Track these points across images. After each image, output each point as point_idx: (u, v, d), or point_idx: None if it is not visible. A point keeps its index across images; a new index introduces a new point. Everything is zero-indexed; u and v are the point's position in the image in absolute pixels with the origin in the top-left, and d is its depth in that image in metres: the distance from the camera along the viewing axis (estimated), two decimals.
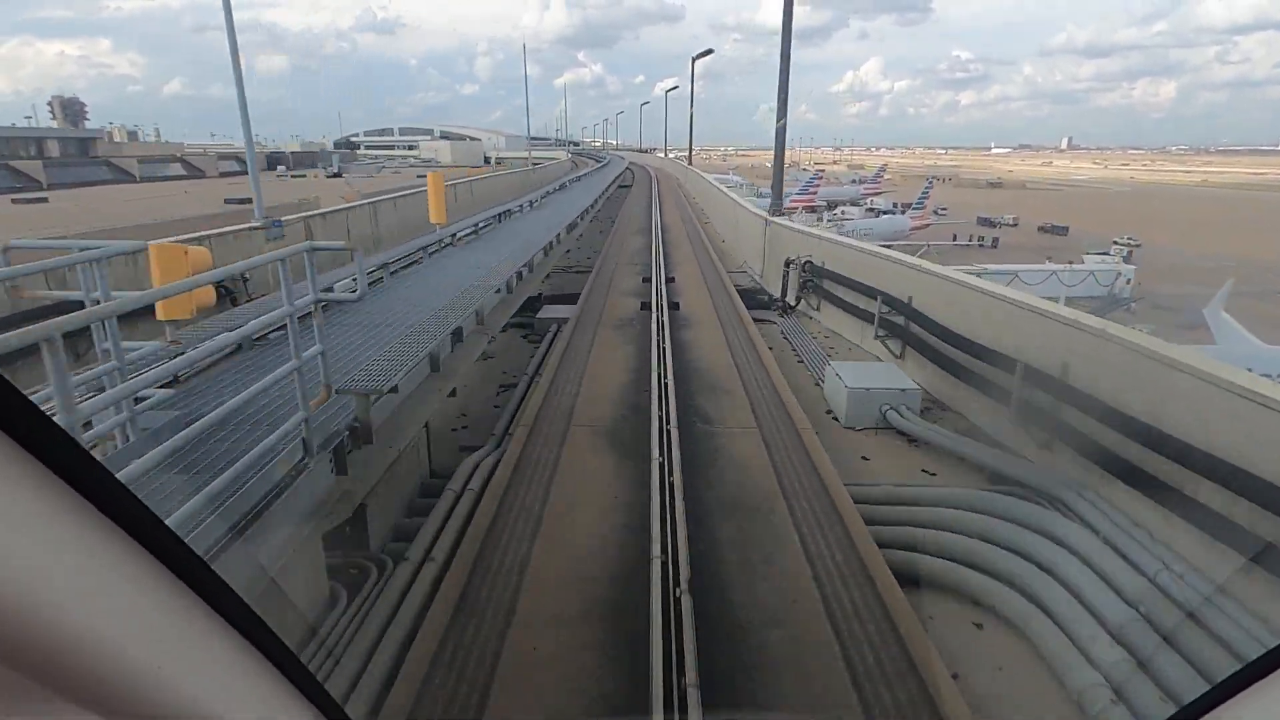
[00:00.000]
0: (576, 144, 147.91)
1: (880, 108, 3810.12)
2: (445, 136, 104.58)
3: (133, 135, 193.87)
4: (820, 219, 68.64)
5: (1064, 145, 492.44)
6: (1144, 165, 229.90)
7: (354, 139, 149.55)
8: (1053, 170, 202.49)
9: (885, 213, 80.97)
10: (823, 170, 76.00)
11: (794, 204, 70.85)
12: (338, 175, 77.70)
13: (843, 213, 72.66)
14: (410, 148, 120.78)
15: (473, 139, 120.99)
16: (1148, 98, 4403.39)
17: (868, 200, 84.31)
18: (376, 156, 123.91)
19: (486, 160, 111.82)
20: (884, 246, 13.16)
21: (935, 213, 60.49)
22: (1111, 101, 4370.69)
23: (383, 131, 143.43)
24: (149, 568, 0.66)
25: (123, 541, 0.63)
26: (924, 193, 56.97)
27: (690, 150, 62.44)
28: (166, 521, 0.73)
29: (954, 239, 54.30)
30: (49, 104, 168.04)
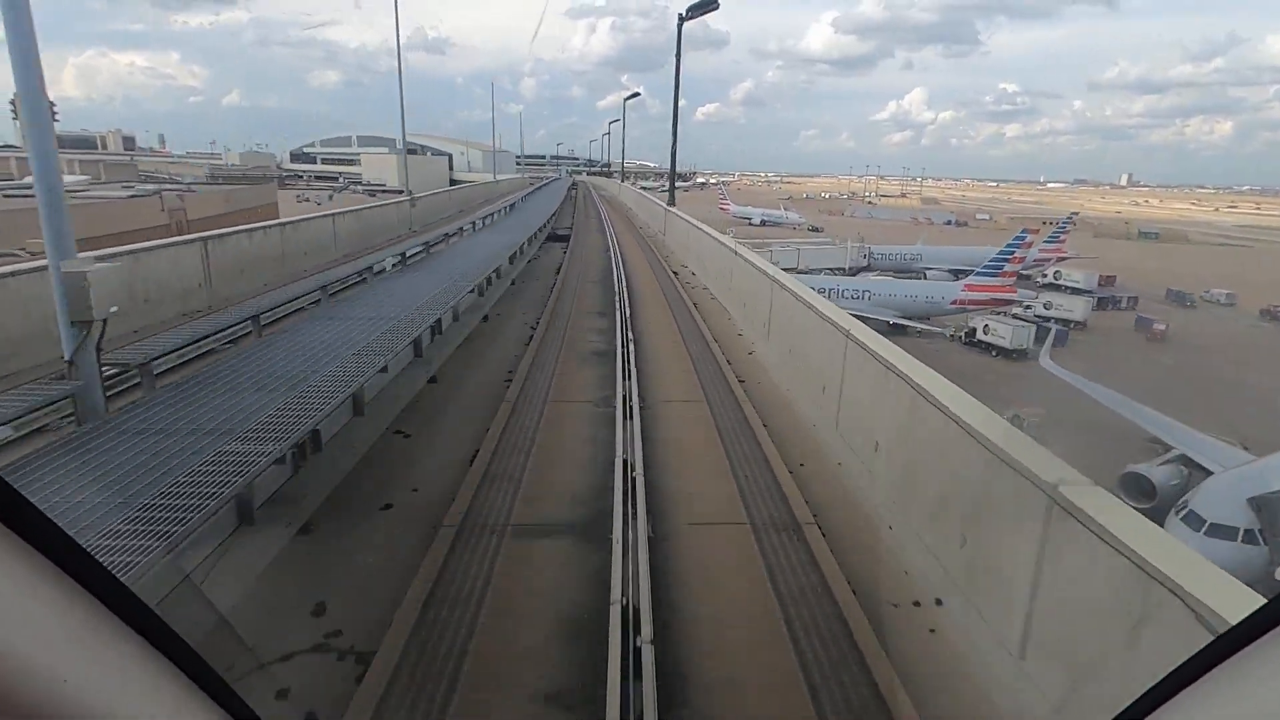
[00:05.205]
0: (608, 166, 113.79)
1: (922, 137, 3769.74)
2: (409, 150, 74.00)
3: (129, 142, 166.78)
4: (1029, 320, 35.66)
5: (1124, 181, 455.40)
6: (1256, 207, 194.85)
7: (309, 150, 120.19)
8: (1166, 212, 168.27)
9: (1109, 301, 47.58)
10: (1031, 231, 42.72)
11: (975, 295, 38.27)
12: None
13: (1057, 303, 39.67)
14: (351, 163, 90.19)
15: (437, 152, 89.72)
16: (1202, 135, 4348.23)
17: (1051, 270, 51.15)
18: (303, 174, 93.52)
19: (453, 184, 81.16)
20: None
21: None
22: (1164, 139, 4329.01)
23: (340, 141, 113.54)
24: (52, 577, 0.64)
25: (25, 553, 0.61)
26: None
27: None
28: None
29: None
30: (11, 103, 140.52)
